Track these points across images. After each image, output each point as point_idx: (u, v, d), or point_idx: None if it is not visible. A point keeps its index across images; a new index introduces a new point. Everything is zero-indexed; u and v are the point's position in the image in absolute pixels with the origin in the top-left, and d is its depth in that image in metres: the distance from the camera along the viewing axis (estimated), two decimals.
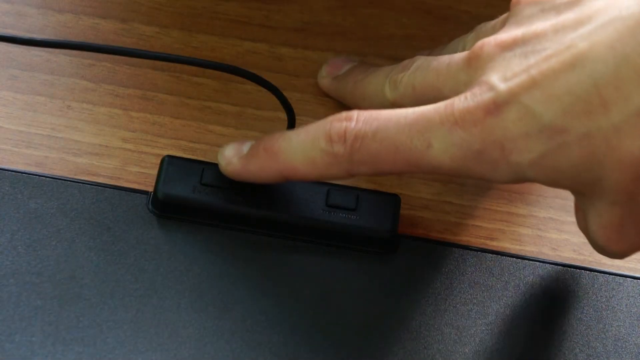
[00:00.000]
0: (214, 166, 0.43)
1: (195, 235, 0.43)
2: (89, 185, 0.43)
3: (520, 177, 0.37)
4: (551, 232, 0.45)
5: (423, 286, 0.43)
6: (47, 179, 0.43)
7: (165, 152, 0.45)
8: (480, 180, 0.38)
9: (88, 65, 0.47)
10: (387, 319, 0.42)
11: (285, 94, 0.43)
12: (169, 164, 0.43)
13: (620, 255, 0.38)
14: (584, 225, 0.39)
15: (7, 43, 0.43)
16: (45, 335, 0.40)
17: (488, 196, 0.46)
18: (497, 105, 0.35)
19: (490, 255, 0.44)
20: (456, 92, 0.37)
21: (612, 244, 0.37)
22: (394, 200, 0.43)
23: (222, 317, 0.41)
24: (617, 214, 0.36)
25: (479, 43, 0.37)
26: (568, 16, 0.36)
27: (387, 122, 0.37)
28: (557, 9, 0.37)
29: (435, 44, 0.49)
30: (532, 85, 0.35)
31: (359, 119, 0.38)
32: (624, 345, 0.42)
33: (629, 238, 0.37)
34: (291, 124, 0.44)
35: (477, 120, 0.36)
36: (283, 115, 0.44)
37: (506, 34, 0.37)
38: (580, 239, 0.44)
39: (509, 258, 0.44)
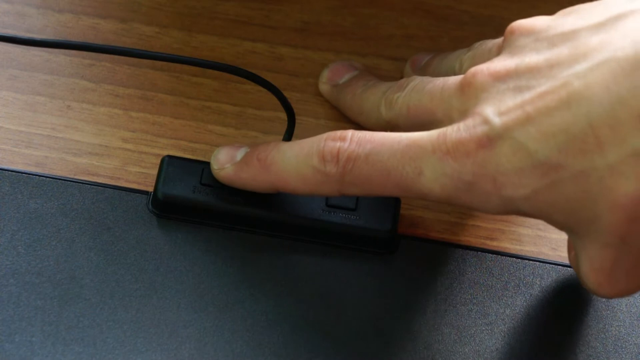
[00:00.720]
0: None
1: (195, 235, 0.43)
2: (89, 185, 0.43)
3: (512, 210, 0.37)
4: (551, 232, 0.44)
5: (423, 286, 0.43)
6: (47, 179, 0.43)
7: (165, 152, 0.45)
8: (471, 210, 0.38)
9: (88, 65, 0.47)
10: (386, 319, 0.42)
11: (285, 94, 0.43)
12: (169, 164, 0.43)
13: (611, 297, 0.38)
14: (575, 264, 0.39)
15: (7, 43, 0.43)
16: (45, 335, 0.40)
17: None
18: (491, 139, 0.35)
19: (490, 255, 0.44)
20: (449, 117, 0.38)
21: (602, 289, 0.37)
22: (393, 200, 0.43)
23: (222, 317, 0.41)
24: (608, 257, 0.36)
25: (472, 70, 0.37)
26: (562, 51, 0.36)
27: (380, 146, 0.38)
28: (551, 41, 0.37)
29: (435, 44, 0.49)
30: (527, 121, 0.35)
31: (352, 140, 0.38)
32: (624, 345, 0.42)
33: (619, 283, 0.37)
34: (291, 124, 0.44)
35: (469, 152, 0.36)
36: (283, 115, 0.44)
37: (499, 64, 0.37)
38: None
39: (509, 258, 0.44)
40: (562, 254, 0.44)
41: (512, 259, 0.44)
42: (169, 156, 0.43)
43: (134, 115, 0.46)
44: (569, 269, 0.44)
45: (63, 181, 0.43)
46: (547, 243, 0.44)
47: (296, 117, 0.44)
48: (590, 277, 0.37)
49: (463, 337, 0.42)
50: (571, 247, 0.39)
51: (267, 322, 0.41)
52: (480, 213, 0.45)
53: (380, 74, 0.48)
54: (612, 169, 0.34)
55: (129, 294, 0.41)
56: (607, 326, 0.42)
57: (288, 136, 0.44)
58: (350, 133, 0.38)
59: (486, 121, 0.36)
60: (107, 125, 0.46)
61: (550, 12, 0.51)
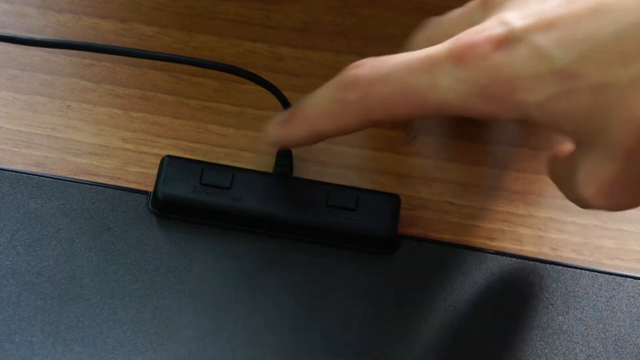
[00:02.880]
0: (214, 166, 0.43)
1: (195, 235, 0.43)
2: (89, 185, 0.43)
3: (524, 117, 0.36)
4: (551, 232, 0.45)
5: (423, 286, 0.43)
6: (47, 179, 0.43)
7: (165, 152, 0.45)
8: (485, 118, 0.37)
9: (88, 65, 0.47)
10: (386, 319, 0.42)
11: (285, 94, 0.43)
12: (169, 164, 0.43)
13: (598, 208, 0.37)
14: (567, 171, 0.38)
15: (7, 43, 0.43)
16: (45, 335, 0.40)
17: (488, 196, 0.46)
18: (509, 41, 0.34)
19: (490, 255, 0.44)
20: (467, 26, 0.37)
21: (595, 199, 0.36)
22: (393, 200, 0.43)
23: (222, 317, 0.41)
24: (610, 169, 0.35)
25: None
26: None
27: (396, 65, 0.37)
28: None
29: None
30: (549, 26, 0.34)
31: (367, 65, 0.38)
32: (624, 345, 0.42)
33: (613, 196, 0.36)
34: None
35: (484, 55, 0.35)
36: None
37: None
38: (580, 238, 0.44)
39: (509, 258, 0.44)
40: (562, 254, 0.44)
41: (512, 259, 0.44)
42: (169, 156, 0.43)
43: (134, 115, 0.46)
44: (569, 269, 0.44)
45: (63, 181, 0.43)
46: (547, 243, 0.44)
47: None
48: (587, 185, 0.36)
49: (463, 337, 0.42)
50: (563, 155, 0.39)
51: (267, 322, 0.41)
52: (480, 213, 0.45)
53: None
54: (633, 83, 0.33)
55: (129, 294, 0.41)
56: (607, 326, 0.42)
57: None
58: (367, 60, 0.38)
59: (505, 23, 0.35)
60: (107, 125, 0.46)
61: None
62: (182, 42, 0.48)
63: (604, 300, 0.43)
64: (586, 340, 0.42)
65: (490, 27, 0.35)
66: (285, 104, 0.43)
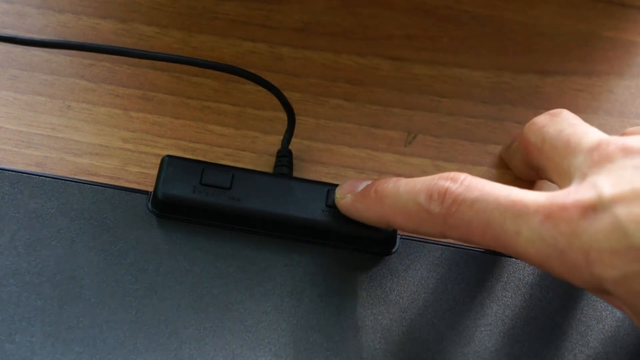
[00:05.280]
0: (214, 166, 0.43)
1: (195, 235, 0.43)
2: (89, 185, 0.43)
3: (600, 289, 0.35)
4: None
5: (422, 286, 0.43)
6: (47, 179, 0.43)
7: (165, 152, 0.45)
8: (563, 280, 0.36)
9: (88, 65, 0.47)
10: (385, 319, 0.42)
11: (285, 94, 0.43)
12: (169, 164, 0.43)
13: None
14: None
15: (7, 43, 0.43)
16: (45, 335, 0.40)
17: None
18: (595, 210, 0.34)
19: (490, 255, 0.44)
20: (569, 172, 0.37)
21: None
22: None
23: (222, 317, 0.41)
24: None
25: (608, 139, 0.36)
26: None
27: (487, 196, 0.36)
28: None
29: (435, 44, 0.49)
30: (634, 199, 0.33)
31: (463, 183, 0.37)
32: (623, 345, 0.42)
33: None
34: (291, 124, 0.44)
35: (570, 219, 0.34)
36: (283, 115, 0.44)
37: (635, 140, 0.36)
38: None
39: (509, 258, 0.44)
40: None
41: (512, 259, 0.44)
42: (169, 156, 0.43)
43: (134, 115, 0.46)
44: None
45: (63, 181, 0.43)
46: None
47: (296, 117, 0.44)
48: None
49: (463, 338, 0.42)
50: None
51: (267, 322, 0.41)
52: None
53: (380, 74, 0.48)
54: None
55: (129, 294, 0.41)
56: (606, 326, 0.42)
57: (288, 136, 0.44)
58: (463, 176, 0.38)
59: (595, 189, 0.34)
60: (107, 125, 0.46)
61: (549, 12, 0.51)
62: (182, 42, 0.48)
63: (603, 300, 0.43)
64: (586, 341, 0.42)
65: (582, 192, 0.35)
66: (285, 104, 0.43)
